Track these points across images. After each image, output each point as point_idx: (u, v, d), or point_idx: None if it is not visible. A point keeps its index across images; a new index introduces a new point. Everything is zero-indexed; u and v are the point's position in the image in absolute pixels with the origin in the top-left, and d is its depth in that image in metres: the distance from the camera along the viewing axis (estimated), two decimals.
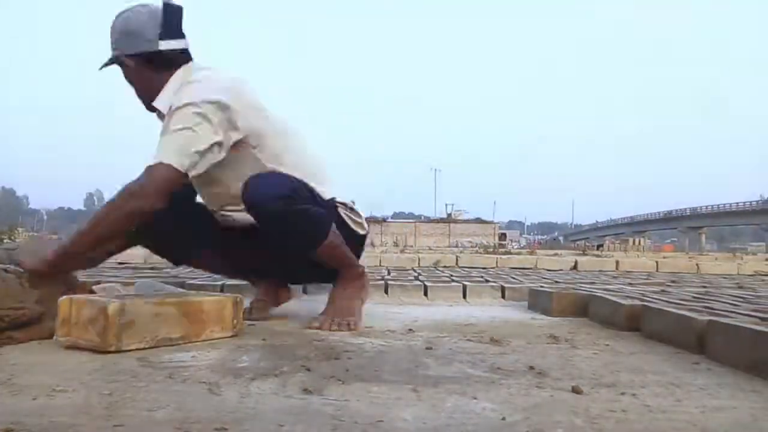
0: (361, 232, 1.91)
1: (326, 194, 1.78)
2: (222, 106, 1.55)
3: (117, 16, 1.65)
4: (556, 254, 7.41)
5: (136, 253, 5.31)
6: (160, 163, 1.49)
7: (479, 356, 1.33)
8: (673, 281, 3.45)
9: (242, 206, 1.63)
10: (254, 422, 0.81)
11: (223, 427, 0.79)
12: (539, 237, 78.77)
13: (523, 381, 1.09)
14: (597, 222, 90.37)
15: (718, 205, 63.39)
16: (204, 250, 1.85)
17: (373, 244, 14.95)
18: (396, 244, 15.70)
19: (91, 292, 1.60)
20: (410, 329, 1.71)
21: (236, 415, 0.85)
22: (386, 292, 2.60)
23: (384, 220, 41.68)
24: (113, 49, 1.65)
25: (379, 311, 2.12)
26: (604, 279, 3.57)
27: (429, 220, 43.94)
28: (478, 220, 42.19)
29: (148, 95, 1.66)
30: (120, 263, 4.69)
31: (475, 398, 0.96)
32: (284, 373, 1.11)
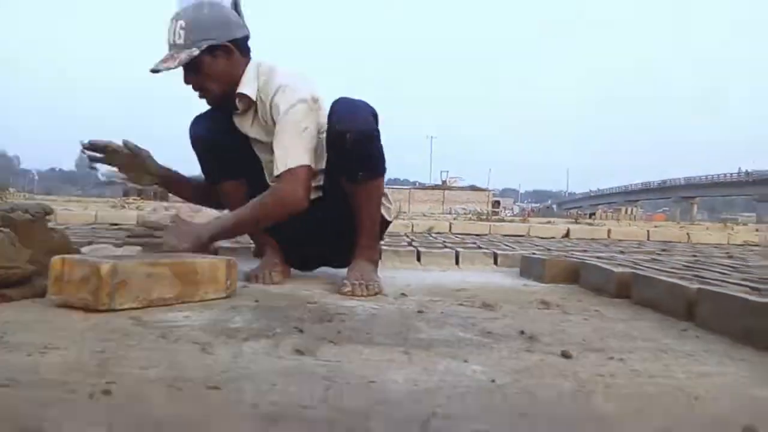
0: (388, 218, 2.02)
1: None
2: (316, 102, 1.76)
3: (195, 9, 1.70)
4: (548, 222, 7.43)
5: (129, 215, 5.30)
6: (302, 166, 1.68)
7: (471, 320, 1.34)
8: (663, 250, 3.48)
9: None
10: (246, 381, 0.82)
11: (215, 386, 0.79)
12: (533, 204, 78.93)
13: (514, 345, 1.10)
14: (590, 191, 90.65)
15: (712, 175, 63.61)
16: (245, 179, 1.92)
17: None
18: None
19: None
20: (403, 293, 1.72)
21: (229, 374, 0.85)
22: (380, 257, 2.61)
23: None
24: (204, 40, 1.68)
25: None
26: (596, 247, 3.59)
27: (424, 187, 43.93)
28: (473, 188, 42.25)
29: (227, 84, 1.76)
30: (112, 224, 4.68)
31: (466, 361, 0.97)
32: (277, 335, 1.12)
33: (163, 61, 1.68)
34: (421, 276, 2.19)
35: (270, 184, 1.89)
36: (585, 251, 2.99)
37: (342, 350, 1.02)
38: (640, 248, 3.59)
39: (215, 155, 1.87)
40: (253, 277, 1.81)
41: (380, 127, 1.76)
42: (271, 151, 1.78)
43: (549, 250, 3.01)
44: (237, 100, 1.80)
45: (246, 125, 1.85)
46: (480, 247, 2.95)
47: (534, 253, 2.46)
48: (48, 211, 1.86)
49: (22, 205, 1.80)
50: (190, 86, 1.77)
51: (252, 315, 1.31)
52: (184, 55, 1.67)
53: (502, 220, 7.07)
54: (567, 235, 4.92)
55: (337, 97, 1.74)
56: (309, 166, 1.71)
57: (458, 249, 2.69)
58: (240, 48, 1.77)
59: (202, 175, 2.00)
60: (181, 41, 1.68)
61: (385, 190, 1.93)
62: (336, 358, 0.96)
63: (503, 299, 1.66)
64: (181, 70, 1.73)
